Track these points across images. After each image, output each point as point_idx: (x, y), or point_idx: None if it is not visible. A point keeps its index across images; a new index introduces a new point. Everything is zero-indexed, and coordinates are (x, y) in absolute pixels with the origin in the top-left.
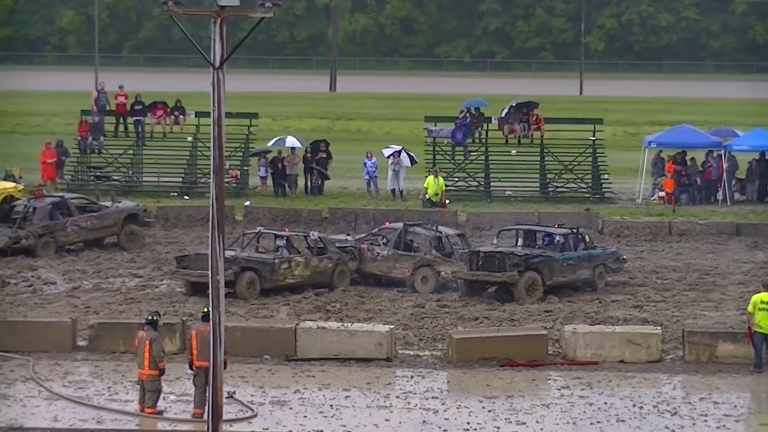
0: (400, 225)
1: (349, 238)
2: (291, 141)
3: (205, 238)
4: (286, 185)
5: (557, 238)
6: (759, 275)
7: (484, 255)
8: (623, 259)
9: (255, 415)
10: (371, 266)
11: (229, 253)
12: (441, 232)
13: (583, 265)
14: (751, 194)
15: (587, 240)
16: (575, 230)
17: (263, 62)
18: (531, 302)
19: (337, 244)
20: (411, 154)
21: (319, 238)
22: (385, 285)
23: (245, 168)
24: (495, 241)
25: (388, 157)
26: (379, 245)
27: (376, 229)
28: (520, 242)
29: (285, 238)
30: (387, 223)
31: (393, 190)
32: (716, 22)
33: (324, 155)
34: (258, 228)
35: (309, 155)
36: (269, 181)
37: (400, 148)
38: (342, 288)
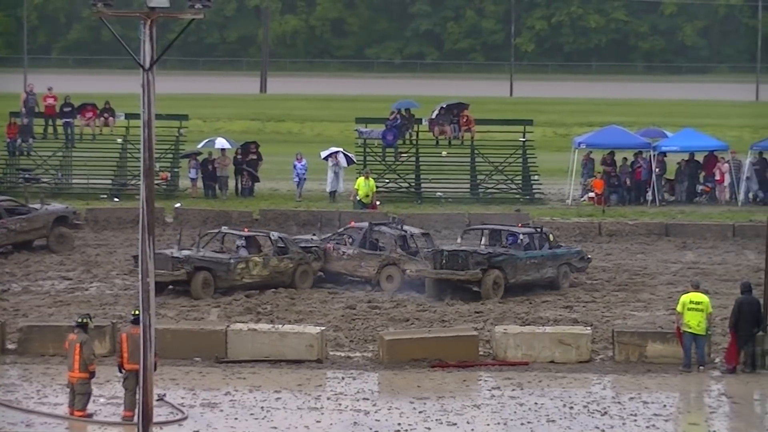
0: (365, 224)
1: (315, 238)
2: (221, 142)
3: (136, 240)
4: (217, 187)
5: (521, 237)
6: (688, 275)
7: (447, 253)
8: (588, 258)
9: (185, 418)
10: (337, 265)
11: (183, 253)
12: (406, 231)
13: (547, 263)
14: (680, 195)
15: (551, 239)
16: (539, 229)
17: (193, 64)
18: (495, 300)
19: (302, 244)
20: (349, 154)
21: (279, 238)
22: (351, 283)
23: (175, 170)
24: (459, 240)
25: (326, 158)
26: (345, 244)
27: (342, 229)
28: (484, 241)
29: (245, 238)
30: (352, 223)
31: (332, 192)
32: (645, 24)
33: (254, 157)
34: (222, 228)
35: (239, 157)
36: (200, 183)
37: (338, 149)
38: (304, 287)
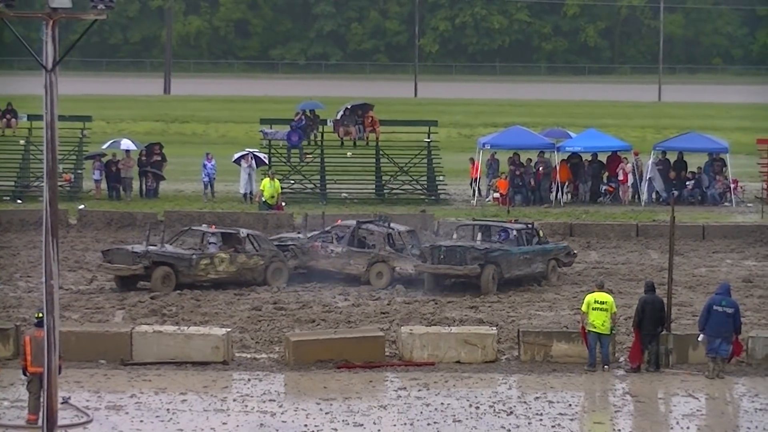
0: (352, 222)
1: (301, 236)
2: (125, 144)
3: (39, 242)
4: (121, 188)
5: (513, 232)
6: (592, 275)
7: (445, 249)
8: (573, 253)
9: (90, 421)
10: (325, 263)
11: (140, 248)
12: (393, 229)
13: (537, 258)
14: (584, 195)
15: (541, 235)
16: (530, 225)
17: (96, 65)
18: (492, 293)
19: (284, 242)
20: (261, 155)
21: (248, 235)
22: (337, 281)
23: (79, 171)
24: (455, 236)
25: (237, 161)
26: (332, 242)
27: (329, 227)
28: (478, 237)
29: (214, 234)
30: (339, 221)
31: (245, 194)
32: (548, 25)
33: (159, 158)
34: (192, 226)
35: (144, 158)
36: (103, 185)
37: (250, 150)
38: (277, 286)
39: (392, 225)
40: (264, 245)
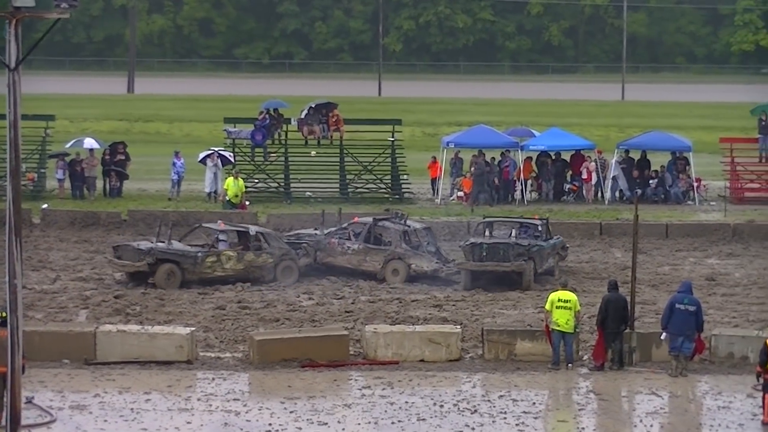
0: (369, 219)
1: (317, 232)
2: (89, 143)
3: (2, 241)
4: (85, 187)
5: (540, 228)
6: (556, 274)
7: (487, 246)
8: (567, 247)
9: (54, 420)
10: (342, 260)
11: (146, 245)
12: (409, 226)
13: (552, 253)
14: (547, 193)
15: (549, 230)
16: (546, 220)
17: (59, 64)
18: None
19: (299, 239)
20: (227, 154)
21: (257, 233)
22: (353, 277)
23: (42, 170)
24: (488, 233)
25: (202, 160)
26: (350, 239)
27: (345, 224)
28: (503, 233)
29: (223, 231)
30: (356, 219)
31: (210, 193)
32: (512, 24)
33: (122, 157)
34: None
35: (108, 157)
36: (67, 184)
37: (214, 150)
38: (285, 284)
39: (408, 222)
40: (274, 243)
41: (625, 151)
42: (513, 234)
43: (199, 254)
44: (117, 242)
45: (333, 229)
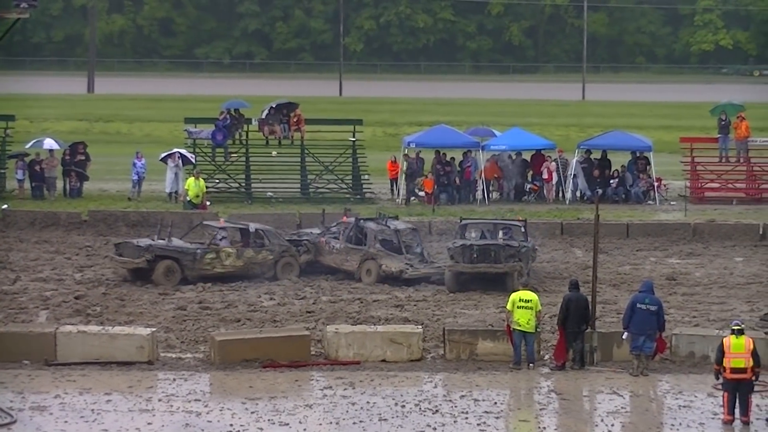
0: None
1: (316, 231)
2: (49, 143)
3: None
4: (45, 188)
5: (523, 229)
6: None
7: (478, 248)
8: (536, 248)
9: (14, 421)
10: (328, 259)
11: (145, 242)
12: (389, 227)
13: (531, 254)
14: (509, 193)
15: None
16: (525, 222)
17: (19, 64)
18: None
19: (305, 237)
20: (188, 155)
21: (256, 230)
22: (337, 276)
23: (2, 171)
24: (473, 234)
25: (163, 159)
26: (336, 239)
27: (335, 224)
28: (487, 234)
29: (223, 229)
30: (345, 218)
31: (171, 193)
32: (472, 24)
33: (83, 157)
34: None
35: (68, 157)
36: (27, 184)
37: (176, 150)
38: (287, 279)
39: (391, 223)
40: (274, 240)
41: (585, 150)
42: (500, 235)
43: (198, 251)
44: (118, 240)
45: (327, 227)
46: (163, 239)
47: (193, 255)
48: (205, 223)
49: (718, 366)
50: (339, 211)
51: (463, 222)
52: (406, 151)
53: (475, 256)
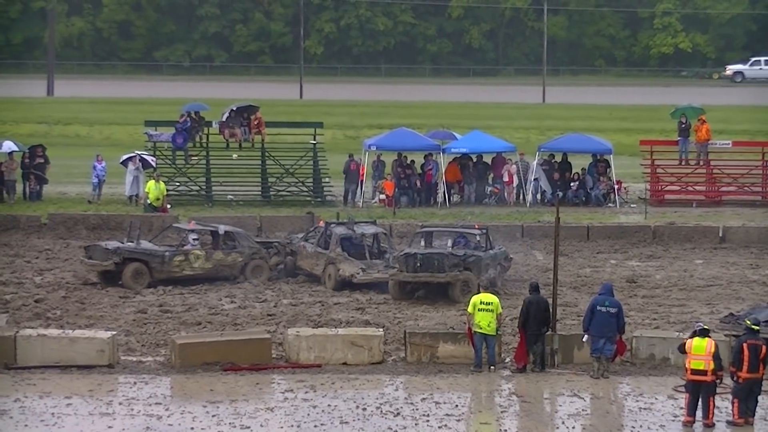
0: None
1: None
2: (8, 146)
3: None
4: (4, 191)
5: (478, 238)
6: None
7: (422, 256)
8: (510, 258)
9: None
10: (304, 263)
11: (113, 244)
12: (353, 231)
13: (492, 264)
14: (469, 196)
15: (490, 240)
16: (485, 231)
17: None
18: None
19: (269, 240)
20: (148, 158)
21: (226, 232)
22: (298, 280)
23: None
24: (422, 243)
25: (124, 162)
26: (310, 243)
27: (313, 228)
28: (440, 243)
29: (192, 231)
30: (321, 222)
31: (131, 196)
32: (432, 27)
33: (41, 160)
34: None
35: (27, 160)
36: None
37: (136, 153)
38: (256, 283)
39: (359, 227)
40: (244, 242)
41: (546, 153)
42: (450, 244)
43: (167, 253)
44: (87, 243)
45: (307, 231)
46: (132, 242)
47: (162, 257)
48: (175, 225)
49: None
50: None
51: (423, 229)
52: (366, 154)
53: (419, 264)
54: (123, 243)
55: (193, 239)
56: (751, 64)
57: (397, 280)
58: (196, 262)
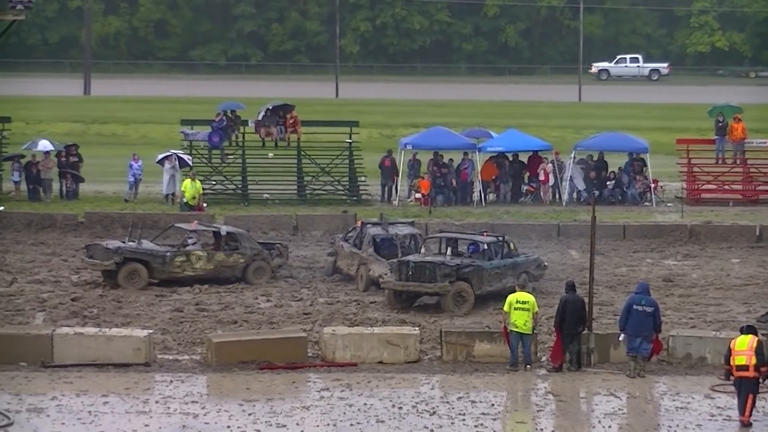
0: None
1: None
2: (44, 144)
3: None
4: (41, 190)
5: (483, 246)
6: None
7: (414, 265)
8: (545, 265)
9: (11, 423)
10: (341, 263)
11: (114, 244)
12: (386, 232)
13: (508, 273)
14: (505, 195)
15: (512, 247)
16: (501, 238)
17: (14, 65)
18: (462, 313)
19: (271, 241)
20: (184, 156)
21: (228, 233)
22: (334, 278)
23: None
24: (423, 250)
25: (160, 161)
26: (348, 243)
27: (351, 228)
28: (446, 251)
29: (194, 231)
30: (359, 222)
31: (168, 195)
32: (468, 25)
33: (75, 159)
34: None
35: (63, 159)
36: (23, 186)
37: (172, 152)
38: (259, 283)
39: (393, 228)
40: (246, 243)
41: (582, 152)
42: (449, 252)
43: (168, 254)
44: (89, 242)
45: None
46: (134, 241)
47: (163, 258)
48: (176, 225)
49: (728, 365)
50: (337, 213)
51: (439, 233)
52: (402, 153)
53: (410, 273)
54: (125, 242)
55: (195, 240)
56: None
57: (388, 288)
58: (197, 262)
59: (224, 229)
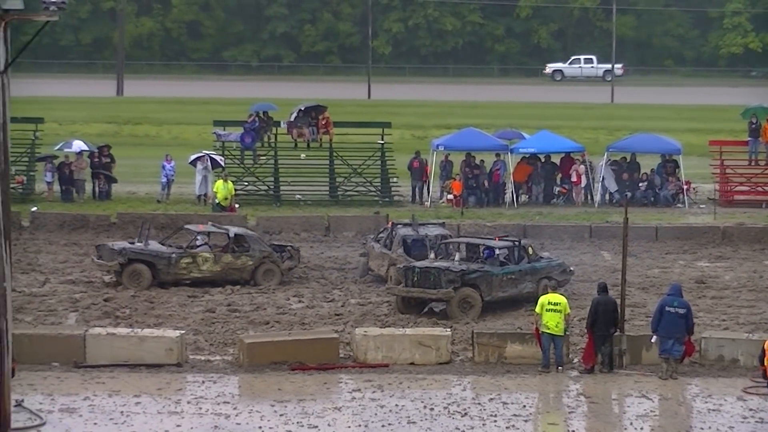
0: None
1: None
2: (77, 145)
3: None
4: (74, 190)
5: (497, 251)
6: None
7: (419, 270)
8: (570, 270)
9: (44, 423)
10: (372, 263)
11: (120, 245)
12: (416, 232)
13: (525, 278)
14: (537, 196)
15: (531, 252)
16: (517, 242)
17: (48, 66)
18: (470, 319)
19: (279, 243)
20: (217, 157)
21: (236, 234)
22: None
23: (31, 173)
24: (432, 255)
25: (192, 162)
26: (379, 244)
27: (383, 228)
28: (459, 256)
29: (202, 233)
30: (390, 223)
31: (200, 196)
32: (501, 26)
33: (107, 159)
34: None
35: (96, 160)
36: (56, 186)
37: (205, 153)
38: (268, 286)
39: (424, 229)
40: (255, 245)
41: (614, 153)
42: (457, 257)
43: (173, 255)
44: (98, 242)
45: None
46: (141, 242)
47: (168, 259)
48: (186, 227)
49: (762, 366)
50: (369, 214)
51: (459, 238)
52: (434, 154)
53: (415, 278)
54: (132, 243)
55: (204, 242)
56: None
57: (392, 294)
58: (204, 264)
59: (232, 231)
